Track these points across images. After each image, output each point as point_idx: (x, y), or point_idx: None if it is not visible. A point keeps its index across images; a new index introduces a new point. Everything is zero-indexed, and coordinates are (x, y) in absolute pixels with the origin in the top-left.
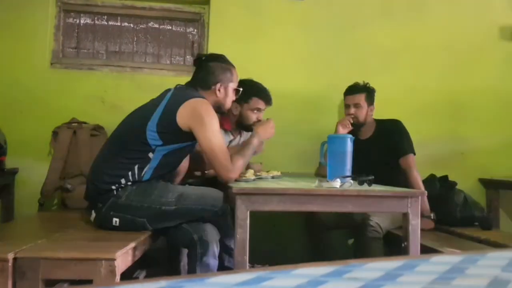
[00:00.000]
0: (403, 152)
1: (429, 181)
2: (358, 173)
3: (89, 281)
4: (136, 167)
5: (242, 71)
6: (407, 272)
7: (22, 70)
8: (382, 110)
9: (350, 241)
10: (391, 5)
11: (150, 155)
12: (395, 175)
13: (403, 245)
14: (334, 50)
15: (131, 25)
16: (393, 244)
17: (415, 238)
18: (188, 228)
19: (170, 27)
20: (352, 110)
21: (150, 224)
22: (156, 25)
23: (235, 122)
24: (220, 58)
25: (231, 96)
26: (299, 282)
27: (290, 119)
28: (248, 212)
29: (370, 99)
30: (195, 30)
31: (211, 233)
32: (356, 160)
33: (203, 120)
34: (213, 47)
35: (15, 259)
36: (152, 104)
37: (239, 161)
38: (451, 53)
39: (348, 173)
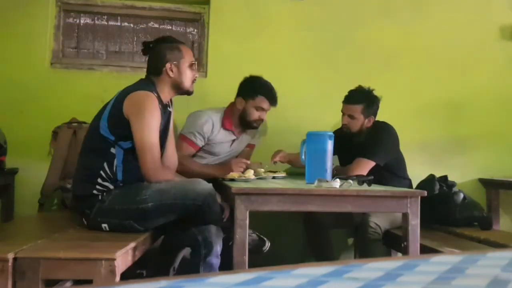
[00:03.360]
0: (363, 155)
1: (429, 181)
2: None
3: (89, 281)
4: (105, 164)
5: (242, 71)
6: (407, 272)
7: (22, 70)
8: (382, 110)
9: (350, 241)
10: (391, 5)
11: (112, 150)
12: (384, 180)
13: (402, 245)
14: (334, 50)
15: (131, 25)
16: (393, 244)
17: (415, 238)
18: (192, 229)
19: (170, 27)
20: (346, 120)
21: (138, 225)
22: (156, 25)
23: (238, 117)
24: (166, 39)
25: (188, 73)
26: (299, 282)
27: (289, 119)
28: (248, 212)
29: (369, 111)
30: (195, 30)
31: (215, 234)
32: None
33: (140, 112)
34: (213, 47)
35: (15, 259)
36: (108, 102)
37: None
38: (451, 53)
39: (328, 174)
